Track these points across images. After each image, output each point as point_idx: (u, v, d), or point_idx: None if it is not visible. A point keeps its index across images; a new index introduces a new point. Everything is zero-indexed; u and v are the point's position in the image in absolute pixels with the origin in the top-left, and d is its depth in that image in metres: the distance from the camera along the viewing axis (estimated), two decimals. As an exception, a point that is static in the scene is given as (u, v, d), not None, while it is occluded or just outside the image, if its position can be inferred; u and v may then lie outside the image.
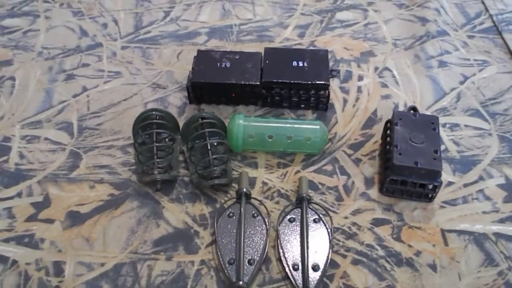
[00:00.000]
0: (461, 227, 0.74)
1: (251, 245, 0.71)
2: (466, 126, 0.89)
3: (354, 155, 0.84)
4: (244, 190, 0.75)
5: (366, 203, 0.77)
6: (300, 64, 0.89)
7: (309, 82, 0.86)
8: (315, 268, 0.68)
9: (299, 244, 0.71)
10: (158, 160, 0.78)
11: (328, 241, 0.71)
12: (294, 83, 0.86)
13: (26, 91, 0.95)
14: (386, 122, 0.83)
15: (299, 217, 0.74)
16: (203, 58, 0.91)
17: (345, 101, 0.93)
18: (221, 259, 0.69)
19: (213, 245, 0.72)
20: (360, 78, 0.98)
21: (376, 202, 0.78)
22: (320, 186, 0.80)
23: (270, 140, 0.81)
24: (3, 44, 1.05)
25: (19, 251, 0.72)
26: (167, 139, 0.83)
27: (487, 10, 1.14)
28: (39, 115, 0.90)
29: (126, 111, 0.91)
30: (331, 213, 0.76)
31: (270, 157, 0.84)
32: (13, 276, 0.69)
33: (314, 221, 0.74)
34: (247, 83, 0.87)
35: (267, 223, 0.73)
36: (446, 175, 0.80)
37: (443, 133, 0.87)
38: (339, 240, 0.73)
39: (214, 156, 0.79)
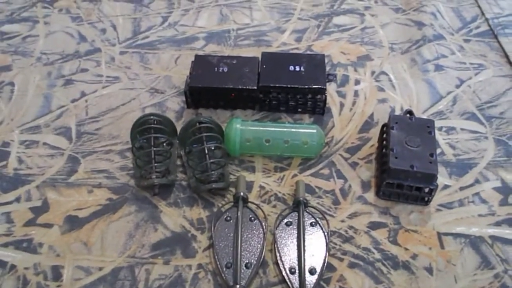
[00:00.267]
0: (457, 230, 0.75)
1: (248, 249, 0.71)
2: (462, 129, 0.89)
3: (351, 159, 0.85)
4: (241, 194, 0.76)
5: (362, 207, 0.78)
6: (297, 68, 0.89)
7: (306, 87, 0.87)
8: (312, 271, 0.69)
9: (296, 247, 0.71)
10: (156, 164, 0.79)
11: (325, 244, 0.72)
12: (291, 87, 0.87)
13: (25, 96, 0.95)
14: (383, 126, 0.84)
15: (296, 220, 0.74)
16: (201, 63, 0.92)
17: (342, 105, 0.94)
18: (218, 262, 0.70)
19: (210, 249, 0.73)
20: (357, 82, 0.98)
21: (372, 205, 0.78)
22: (317, 190, 0.80)
23: (267, 144, 0.81)
24: (2, 50, 1.06)
25: (18, 256, 0.72)
26: (165, 144, 0.84)
27: (483, 14, 1.15)
28: (38, 120, 0.91)
29: (124, 115, 0.92)
30: (327, 217, 0.76)
31: (267, 161, 0.84)
32: (11, 280, 0.69)
33: (311, 224, 0.74)
34: (245, 87, 0.88)
35: (264, 227, 0.74)
36: (442, 178, 0.81)
37: (439, 136, 0.87)
38: (335, 244, 0.73)
39: (211, 160, 0.79)
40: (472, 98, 0.95)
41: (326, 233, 0.73)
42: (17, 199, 0.79)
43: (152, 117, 0.83)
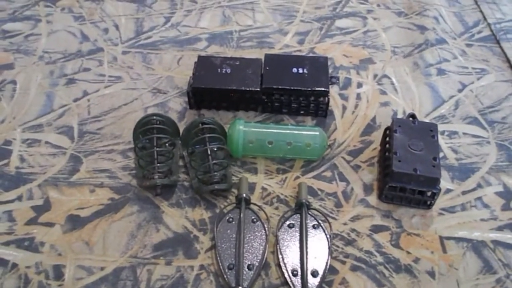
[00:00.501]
0: (459, 234, 0.75)
1: (250, 250, 0.71)
2: (464, 133, 0.89)
3: (353, 162, 0.85)
4: (244, 195, 0.76)
5: (365, 210, 0.78)
6: (300, 70, 0.89)
7: (309, 89, 0.87)
8: (314, 274, 0.69)
9: (298, 249, 0.71)
10: (158, 164, 0.79)
11: (327, 247, 0.72)
12: (294, 89, 0.87)
13: (27, 95, 0.95)
14: (385, 129, 0.84)
15: (298, 223, 0.74)
16: (204, 63, 0.92)
17: (344, 107, 0.94)
18: (220, 264, 0.70)
19: (212, 250, 0.72)
20: (359, 85, 0.98)
21: (375, 208, 0.78)
22: (319, 192, 0.80)
23: (270, 145, 0.81)
24: (4, 48, 1.05)
25: (19, 255, 0.72)
26: (167, 144, 0.84)
27: (485, 19, 1.15)
28: (40, 119, 0.91)
29: (126, 115, 0.92)
30: (330, 219, 0.76)
31: (270, 163, 0.84)
32: (13, 279, 0.69)
33: (313, 227, 0.74)
34: (248, 89, 0.88)
35: (266, 229, 0.74)
36: (445, 183, 0.81)
37: (442, 140, 0.88)
38: (338, 246, 0.73)
39: (214, 161, 0.79)
40: (474, 102, 0.95)
41: (328, 236, 0.73)
42: (19, 198, 0.79)
43: (154, 117, 0.83)
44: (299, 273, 0.69)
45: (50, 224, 0.75)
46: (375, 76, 1.00)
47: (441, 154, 0.85)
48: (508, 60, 1.04)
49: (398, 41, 1.09)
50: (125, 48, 1.06)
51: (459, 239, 0.74)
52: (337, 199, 0.79)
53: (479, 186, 0.81)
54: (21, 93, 0.95)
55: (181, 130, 0.85)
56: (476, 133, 0.89)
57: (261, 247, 0.72)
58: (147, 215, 0.77)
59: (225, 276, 0.68)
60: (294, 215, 0.76)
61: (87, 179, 0.81)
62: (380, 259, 0.72)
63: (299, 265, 0.70)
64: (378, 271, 0.71)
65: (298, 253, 0.71)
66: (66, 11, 1.15)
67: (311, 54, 1.05)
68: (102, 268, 0.70)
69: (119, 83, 0.98)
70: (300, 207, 0.75)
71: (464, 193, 0.80)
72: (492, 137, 0.89)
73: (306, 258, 0.69)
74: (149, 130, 0.82)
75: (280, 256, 0.71)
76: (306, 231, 0.73)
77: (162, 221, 0.76)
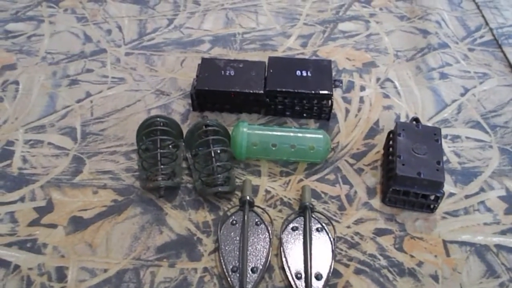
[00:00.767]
0: (462, 238, 0.75)
1: (254, 253, 0.71)
2: (467, 137, 0.89)
3: (357, 165, 0.85)
4: (247, 198, 0.75)
5: (368, 213, 0.78)
6: (304, 73, 0.90)
7: (313, 92, 0.87)
8: (318, 277, 0.68)
9: (302, 252, 0.71)
10: (161, 166, 0.78)
11: (331, 250, 0.72)
12: (297, 92, 0.87)
13: (30, 95, 0.95)
14: (389, 133, 0.84)
15: (302, 225, 0.74)
16: (208, 65, 0.92)
17: (347, 111, 0.94)
18: (224, 266, 0.69)
19: (216, 253, 0.72)
20: (362, 88, 0.98)
21: (378, 212, 0.78)
22: (322, 195, 0.80)
23: (273, 148, 0.81)
24: (7, 48, 1.05)
25: (22, 256, 0.71)
26: (171, 146, 0.84)
27: (487, 23, 1.16)
28: (43, 120, 0.90)
29: (129, 117, 0.91)
30: (333, 222, 0.76)
31: (273, 166, 0.84)
32: (15, 281, 0.69)
33: (317, 230, 0.74)
34: (251, 91, 0.88)
35: (270, 231, 0.74)
36: (448, 186, 0.81)
37: (445, 144, 0.88)
38: (341, 249, 0.73)
39: (217, 164, 0.79)
40: (476, 106, 0.95)
41: (332, 239, 0.73)
42: (21, 199, 0.78)
43: (158, 119, 0.83)
44: (303, 276, 0.69)
45: (52, 226, 0.75)
46: (378, 79, 1.00)
47: (444, 158, 0.85)
48: (510, 65, 1.04)
49: (401, 45, 1.09)
50: (128, 49, 1.06)
51: (462, 243, 0.74)
52: (341, 202, 0.79)
53: (482, 190, 0.81)
54: (23, 94, 0.95)
55: (184, 132, 0.85)
56: (478, 137, 0.90)
57: (265, 249, 0.71)
58: (150, 217, 0.77)
59: (228, 279, 0.68)
60: (298, 218, 0.76)
61: (90, 181, 0.81)
62: (383, 262, 0.72)
63: (303, 268, 0.69)
64: (382, 274, 0.71)
65: (302, 256, 0.71)
66: (69, 12, 1.15)
67: (314, 57, 1.05)
68: (105, 270, 0.70)
69: (122, 84, 0.98)
70: (304, 210, 0.75)
71: (467, 197, 0.80)
72: (495, 141, 0.89)
73: (310, 261, 0.69)
74: (153, 131, 0.82)
75: (284, 259, 0.71)
76: (310, 234, 0.72)
77: (166, 223, 0.76)
